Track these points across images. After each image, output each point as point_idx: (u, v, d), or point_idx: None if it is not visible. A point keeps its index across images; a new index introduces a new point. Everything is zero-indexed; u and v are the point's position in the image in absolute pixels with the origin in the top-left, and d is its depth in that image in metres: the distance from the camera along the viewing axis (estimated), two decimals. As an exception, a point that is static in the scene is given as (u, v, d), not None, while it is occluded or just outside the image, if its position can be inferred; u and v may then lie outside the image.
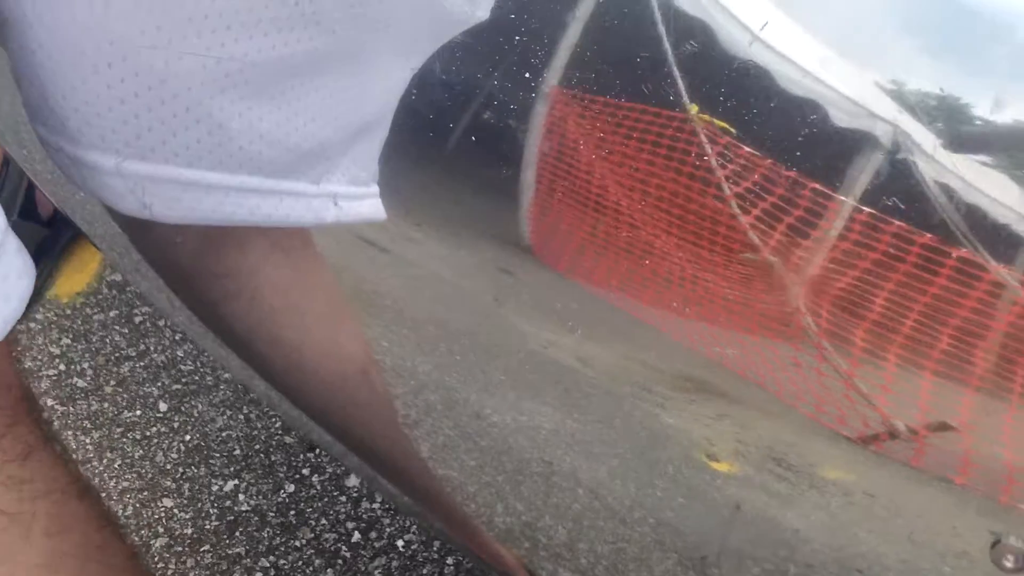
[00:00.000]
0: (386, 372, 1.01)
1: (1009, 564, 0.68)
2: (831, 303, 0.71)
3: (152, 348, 2.32)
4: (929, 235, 0.67)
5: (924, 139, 0.67)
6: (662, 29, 0.74)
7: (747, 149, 0.72)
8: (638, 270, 0.81)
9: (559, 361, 0.89)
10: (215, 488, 2.05)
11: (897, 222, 0.68)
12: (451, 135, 0.87)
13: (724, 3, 0.73)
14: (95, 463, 2.06)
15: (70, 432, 2.12)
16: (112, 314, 2.38)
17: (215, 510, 2.00)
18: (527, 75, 0.81)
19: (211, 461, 2.10)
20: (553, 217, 0.84)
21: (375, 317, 1.00)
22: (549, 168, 0.83)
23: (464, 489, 1.02)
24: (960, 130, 0.66)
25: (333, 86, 0.78)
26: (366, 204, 0.88)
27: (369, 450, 1.09)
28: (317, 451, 2.08)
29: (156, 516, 1.96)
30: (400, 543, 1.93)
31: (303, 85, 0.76)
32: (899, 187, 0.68)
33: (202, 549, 1.95)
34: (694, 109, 0.74)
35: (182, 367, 2.27)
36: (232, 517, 1.99)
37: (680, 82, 0.74)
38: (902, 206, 0.67)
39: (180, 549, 1.93)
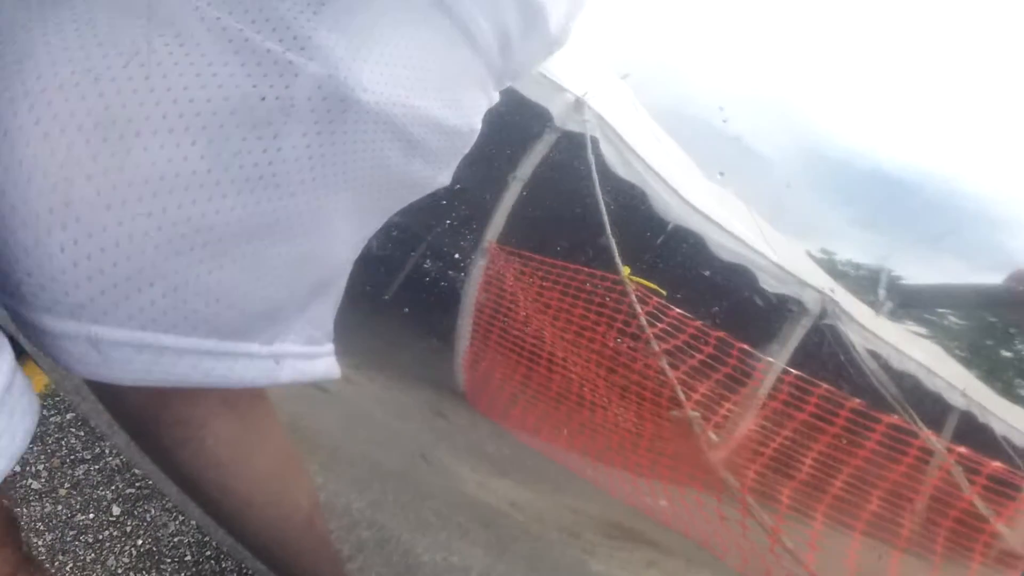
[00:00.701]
0: (321, 508, 0.97)
1: None
2: (758, 461, 0.68)
3: (107, 451, 2.22)
4: (857, 400, 0.65)
5: (853, 307, 0.65)
6: (599, 192, 0.72)
7: (677, 310, 0.70)
8: (568, 420, 0.78)
9: (490, 504, 0.85)
10: None
11: (825, 385, 0.65)
12: (392, 282, 0.84)
13: (660, 172, 0.71)
14: (47, 566, 1.99)
15: (23, 534, 2.05)
16: (69, 416, 2.30)
17: None
18: (467, 230, 0.79)
19: (162, 566, 2.01)
20: (487, 365, 0.81)
21: (311, 454, 0.96)
22: (485, 319, 0.80)
23: (394, 630, 0.96)
24: (896, 292, 0.64)
25: (291, 248, 0.75)
26: (320, 364, 0.85)
27: None
28: None
29: (106, 620, 1.87)
30: None
31: (261, 247, 0.72)
32: (827, 352, 0.66)
33: None
34: (626, 271, 0.72)
35: (136, 471, 2.17)
36: None
37: (614, 244, 0.72)
38: (830, 370, 0.65)
39: None
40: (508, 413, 0.82)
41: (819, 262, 0.65)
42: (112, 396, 0.81)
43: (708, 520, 0.74)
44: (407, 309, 0.86)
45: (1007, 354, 0.60)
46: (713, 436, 0.70)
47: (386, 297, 0.85)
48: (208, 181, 0.65)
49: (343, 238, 0.79)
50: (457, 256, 0.76)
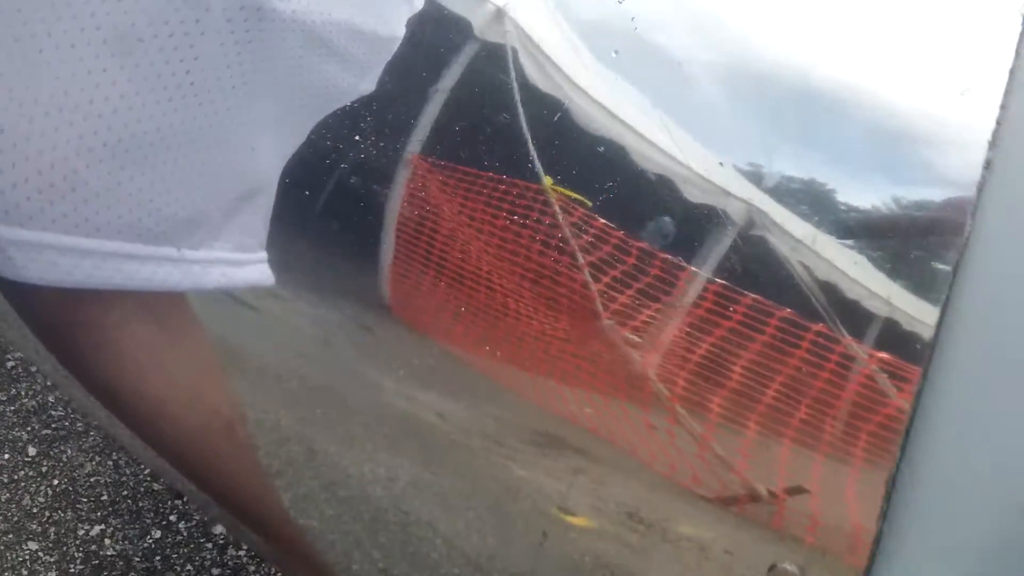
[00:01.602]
0: (250, 424, 0.94)
1: None
2: (686, 370, 0.67)
3: (23, 393, 2.18)
4: (786, 309, 0.63)
5: (780, 218, 0.63)
6: (519, 104, 0.69)
7: (601, 221, 0.68)
8: (493, 331, 0.76)
9: (416, 415, 0.84)
10: (81, 533, 1.92)
11: (751, 295, 0.64)
12: (316, 198, 0.82)
13: (580, 84, 0.68)
14: (-38, 507, 1.95)
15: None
16: (-17, 359, 2.26)
17: (80, 554, 1.88)
18: (390, 143, 0.76)
19: (78, 506, 1.97)
20: (412, 278, 0.79)
21: (241, 371, 0.94)
22: (409, 232, 0.78)
23: (324, 538, 0.96)
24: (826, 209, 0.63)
25: (213, 156, 0.75)
26: (252, 270, 0.85)
27: (231, 500, 1.03)
28: (184, 498, 2.00)
29: (20, 559, 1.84)
30: None
31: (182, 155, 0.72)
32: (755, 262, 0.64)
33: None
34: (548, 181, 0.69)
35: (52, 412, 2.14)
36: (97, 561, 1.87)
37: (535, 155, 0.70)
38: (757, 281, 0.64)
39: None
40: (434, 325, 0.81)
41: (746, 175, 0.63)
42: (26, 302, 0.79)
43: (635, 429, 0.73)
44: (332, 225, 0.83)
45: (935, 264, 0.59)
46: (633, 337, 0.68)
47: (310, 214, 0.81)
48: (128, 91, 0.64)
49: (266, 147, 0.77)
50: (380, 170, 0.73)
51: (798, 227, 0.64)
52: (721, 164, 0.65)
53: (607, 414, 0.74)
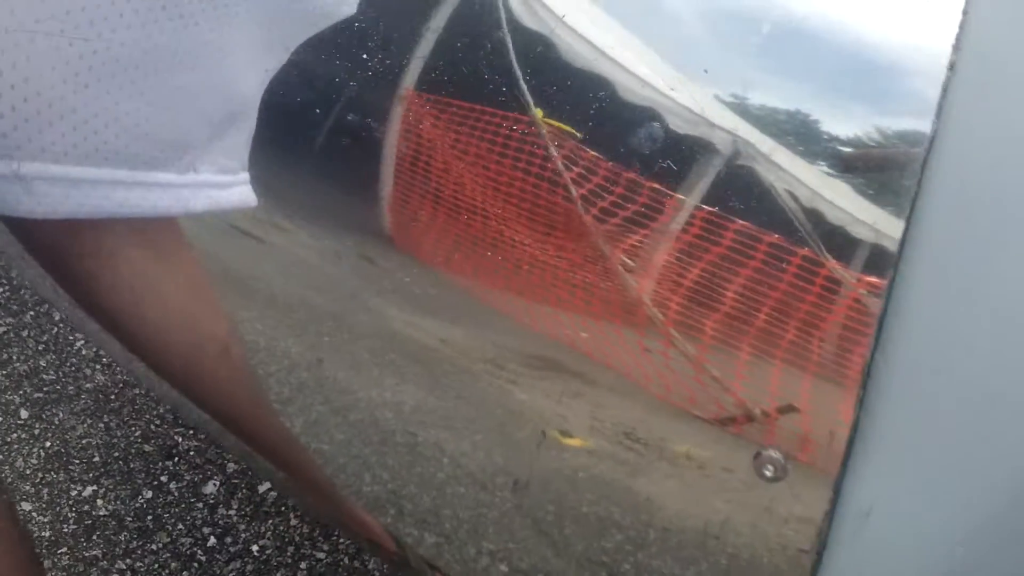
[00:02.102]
0: (260, 352, 0.98)
1: (768, 473, 0.70)
2: (679, 295, 0.69)
3: (15, 357, 2.21)
4: (774, 235, 0.66)
5: (765, 148, 0.65)
6: (509, 41, 0.71)
7: (591, 152, 0.70)
8: (490, 260, 0.78)
9: (419, 341, 0.87)
10: (74, 493, 1.96)
11: (740, 221, 0.66)
12: (315, 134, 0.83)
13: (567, 20, 0.70)
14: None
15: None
16: (-27, 324, 2.27)
17: (73, 514, 1.92)
18: (384, 79, 0.77)
19: (70, 467, 2.01)
20: (411, 210, 0.81)
21: (249, 301, 0.97)
22: (407, 165, 0.80)
23: (335, 461, 1.00)
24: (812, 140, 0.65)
25: (196, 78, 0.75)
26: (235, 192, 0.86)
27: (237, 424, 1.07)
28: (176, 459, 2.02)
29: (14, 519, 1.88)
30: (255, 548, 1.88)
31: (167, 78, 0.72)
32: (741, 190, 0.66)
33: (59, 551, 1.87)
34: (539, 113, 0.71)
35: (44, 376, 2.17)
36: (90, 521, 1.91)
37: (525, 88, 0.71)
38: (745, 207, 0.66)
39: (38, 551, 1.84)
40: (433, 255, 0.83)
41: (730, 106, 0.65)
42: (27, 233, 0.81)
43: (630, 352, 0.75)
44: (331, 159, 0.85)
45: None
46: (628, 261, 0.71)
47: (309, 149, 0.83)
48: (112, 13, 0.65)
49: (249, 70, 0.78)
50: (376, 106, 0.75)
51: (782, 157, 0.66)
52: (692, 88, 0.67)
53: (602, 338, 0.77)
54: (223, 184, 0.84)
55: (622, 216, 0.71)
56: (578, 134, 0.71)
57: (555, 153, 0.72)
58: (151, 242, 0.88)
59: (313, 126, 0.83)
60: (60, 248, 0.85)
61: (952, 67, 0.63)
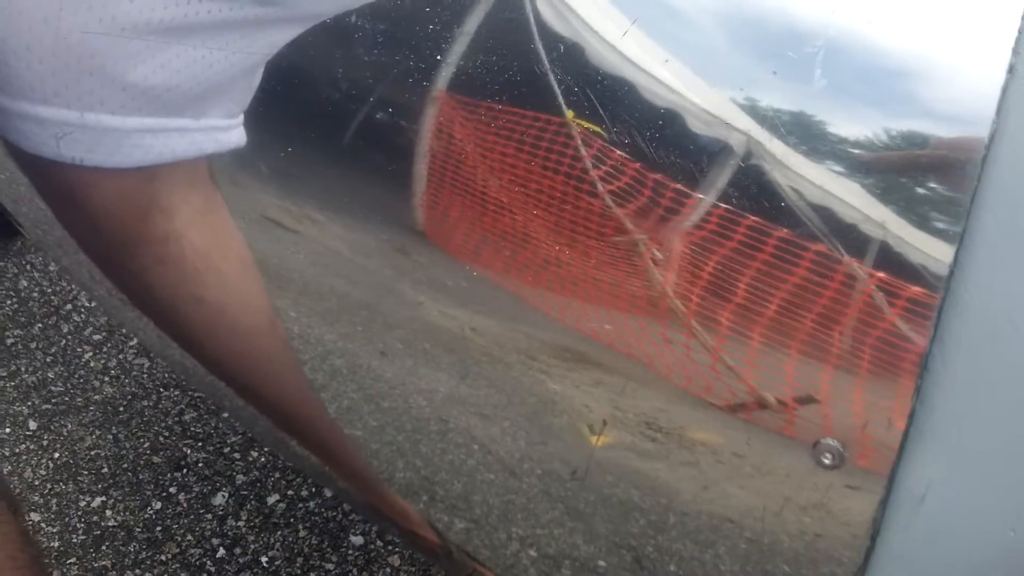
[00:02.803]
0: (295, 339, 1.01)
1: (827, 461, 0.72)
2: (699, 288, 0.72)
3: (23, 369, 2.26)
4: (781, 228, 0.68)
5: (775, 149, 0.68)
6: (540, 45, 0.74)
7: (618, 152, 0.73)
8: (520, 255, 0.81)
9: (452, 331, 0.90)
10: (83, 504, 1.98)
11: (753, 217, 0.69)
12: (350, 133, 0.86)
13: (596, 28, 0.73)
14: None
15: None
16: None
17: (82, 524, 1.95)
18: (418, 81, 0.80)
19: (79, 478, 2.03)
20: (443, 207, 0.83)
21: (284, 289, 1.00)
22: (439, 164, 0.82)
23: (368, 447, 1.03)
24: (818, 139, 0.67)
25: (223, 38, 0.78)
26: (235, 133, 0.90)
27: (278, 407, 1.10)
28: (184, 471, 2.04)
29: (24, 530, 1.90)
30: (264, 559, 1.90)
31: (195, 39, 0.76)
32: (754, 190, 0.69)
33: (68, 562, 1.89)
34: (570, 114, 0.74)
35: (52, 388, 2.22)
36: (99, 532, 1.93)
37: (557, 88, 0.74)
38: (758, 206, 0.69)
39: (47, 562, 1.85)
40: (464, 250, 0.85)
41: (743, 108, 0.67)
42: (92, 223, 0.85)
43: (652, 343, 0.78)
44: (366, 155, 0.87)
45: (921, 191, 0.63)
46: (658, 254, 0.73)
47: (345, 146, 0.86)
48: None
49: (276, 34, 0.81)
50: (409, 106, 0.78)
51: (791, 157, 0.68)
52: (709, 92, 0.70)
53: (626, 330, 0.80)
54: (226, 127, 0.88)
55: (646, 210, 0.74)
56: (605, 134, 0.74)
57: (583, 151, 0.75)
58: (211, 225, 0.92)
59: (348, 126, 0.86)
60: (129, 235, 0.89)
61: (1011, 70, 0.64)
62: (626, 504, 0.85)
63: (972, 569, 0.72)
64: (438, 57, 0.78)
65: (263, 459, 2.02)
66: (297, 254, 0.97)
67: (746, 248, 0.71)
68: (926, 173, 0.66)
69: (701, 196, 0.71)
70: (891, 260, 0.67)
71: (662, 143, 0.72)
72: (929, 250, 0.65)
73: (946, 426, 0.68)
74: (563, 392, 0.85)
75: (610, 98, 0.73)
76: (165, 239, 0.89)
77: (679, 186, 0.72)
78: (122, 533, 1.92)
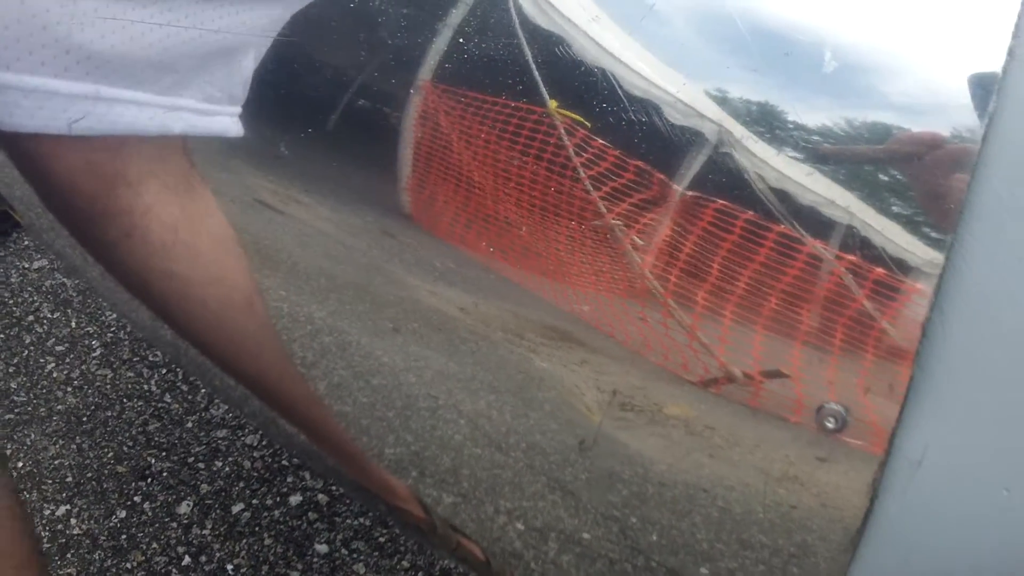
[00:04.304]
0: (284, 318, 1.04)
1: (830, 425, 0.75)
2: (674, 268, 0.76)
3: None
4: (750, 212, 0.72)
5: (744, 138, 0.72)
6: (521, 36, 0.77)
7: (599, 141, 0.76)
8: (505, 239, 0.84)
9: (440, 310, 0.93)
10: (47, 512, 2.01)
11: (721, 201, 0.73)
12: (338, 119, 0.89)
13: (577, 22, 0.76)
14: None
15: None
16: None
17: (47, 532, 1.96)
18: (403, 70, 0.83)
19: (43, 487, 2.05)
20: (429, 191, 0.87)
21: (273, 269, 1.02)
22: (424, 150, 0.86)
23: (358, 424, 1.06)
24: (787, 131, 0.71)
25: (187, 9, 0.80)
26: (218, 120, 0.91)
27: (259, 383, 1.13)
28: (149, 480, 2.06)
29: (-12, 537, 1.92)
30: (230, 567, 1.92)
31: (169, 8, 0.78)
32: (724, 176, 0.73)
33: None
34: (553, 104, 0.77)
35: (15, 398, 2.24)
36: (64, 540, 1.95)
37: (539, 79, 0.78)
38: (727, 192, 0.73)
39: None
40: (451, 233, 0.88)
41: (714, 99, 0.71)
42: (63, 198, 0.87)
43: (631, 322, 0.82)
44: (351, 141, 0.90)
45: (884, 178, 0.67)
46: (637, 240, 0.77)
47: (332, 132, 0.89)
48: None
49: (247, 9, 0.83)
50: (394, 94, 0.81)
51: (756, 145, 0.72)
52: (684, 84, 0.73)
53: (608, 310, 0.84)
54: (206, 111, 0.90)
55: (625, 196, 0.78)
56: (587, 124, 0.77)
57: (565, 138, 0.78)
58: (181, 202, 0.94)
59: (334, 113, 0.89)
60: (95, 209, 0.90)
61: (1011, 52, 0.67)
62: (612, 474, 0.89)
63: (967, 528, 0.75)
64: (423, 47, 0.82)
65: (227, 469, 2.05)
66: (285, 235, 1.00)
67: (720, 234, 0.75)
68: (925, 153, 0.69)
69: (675, 184, 0.75)
70: (855, 243, 0.71)
71: (638, 132, 0.76)
72: (889, 233, 0.70)
73: (943, 391, 0.72)
74: (550, 369, 0.88)
75: (590, 89, 0.77)
76: (131, 211, 0.90)
77: (656, 173, 0.76)
78: (87, 541, 1.95)
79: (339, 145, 0.91)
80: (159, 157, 0.92)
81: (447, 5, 0.80)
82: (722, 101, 0.73)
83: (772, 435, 0.78)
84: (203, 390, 2.18)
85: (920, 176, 0.69)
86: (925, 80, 0.70)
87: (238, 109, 0.89)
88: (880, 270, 0.70)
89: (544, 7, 0.77)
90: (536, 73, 0.77)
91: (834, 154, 0.70)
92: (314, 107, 0.90)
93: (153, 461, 2.08)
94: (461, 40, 0.80)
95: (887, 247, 0.70)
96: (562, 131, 0.77)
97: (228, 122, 0.91)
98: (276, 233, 1.00)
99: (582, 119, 0.77)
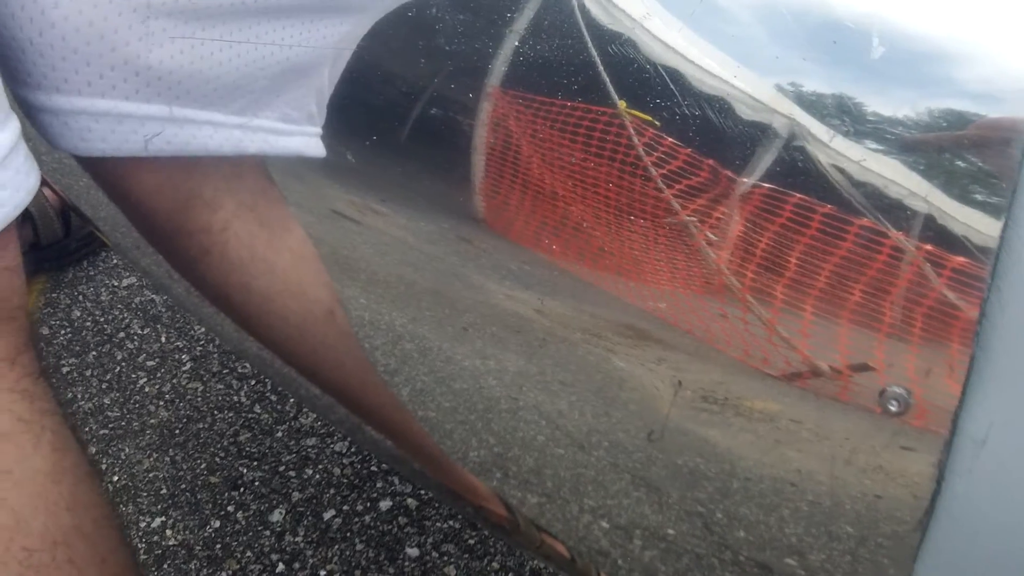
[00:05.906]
0: (365, 326, 1.05)
1: (893, 408, 0.75)
2: (753, 263, 0.76)
3: (80, 396, 2.31)
4: (824, 205, 0.72)
5: (818, 131, 0.71)
6: (588, 39, 0.78)
7: (669, 139, 0.76)
8: (579, 240, 0.85)
9: (518, 312, 0.94)
10: (143, 524, 2.03)
11: (798, 195, 0.72)
12: (411, 129, 0.90)
13: (644, 23, 0.76)
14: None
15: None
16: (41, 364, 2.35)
17: (143, 544, 1.99)
18: (472, 78, 0.84)
19: (138, 500, 2.08)
20: (502, 196, 0.87)
21: (352, 279, 1.04)
22: (496, 155, 0.87)
23: (441, 428, 1.07)
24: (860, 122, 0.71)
25: (261, 29, 0.80)
26: (296, 140, 0.92)
27: (343, 391, 1.14)
28: (241, 489, 2.08)
29: (85, 552, 1.95)
30: (323, 573, 1.93)
31: (231, 26, 0.77)
32: (799, 170, 0.73)
33: None
34: (623, 104, 0.78)
35: (109, 413, 2.26)
36: (160, 551, 1.97)
37: (608, 81, 0.78)
38: (802, 185, 0.72)
39: None
40: (525, 235, 0.89)
41: (786, 93, 0.71)
42: (143, 216, 0.89)
43: (710, 318, 0.82)
44: (425, 150, 0.91)
45: (961, 164, 0.66)
46: (711, 236, 0.77)
47: (406, 142, 0.90)
48: None
49: (322, 28, 0.84)
50: (464, 102, 0.82)
51: (832, 138, 0.72)
52: (755, 80, 0.73)
53: (684, 307, 0.84)
54: (282, 131, 0.90)
55: (699, 194, 0.78)
56: (656, 123, 0.77)
57: (636, 140, 0.78)
58: (259, 218, 0.95)
59: (407, 122, 0.91)
60: (174, 227, 0.92)
61: None
62: (695, 471, 0.89)
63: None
64: (490, 55, 0.82)
65: (318, 476, 2.07)
66: (363, 244, 1.02)
67: (794, 227, 0.75)
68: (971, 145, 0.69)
69: (747, 178, 0.75)
70: (934, 232, 0.70)
71: (709, 129, 0.76)
72: (984, 199, 0.69)
73: (1005, 369, 0.71)
74: (628, 368, 0.88)
75: (660, 88, 0.77)
76: (208, 229, 0.92)
77: (727, 170, 0.76)
78: (183, 552, 1.97)
79: (413, 154, 0.93)
80: (235, 174, 0.93)
81: (512, 11, 0.81)
82: (795, 96, 0.73)
83: (859, 426, 0.78)
84: (291, 400, 2.20)
85: (992, 159, 0.69)
86: (1003, 67, 0.69)
87: (318, 130, 0.90)
88: (938, 251, 0.70)
89: (608, 7, 0.77)
90: (603, 74, 0.77)
91: (914, 143, 0.70)
92: (388, 118, 0.92)
93: (245, 471, 2.10)
94: (528, 45, 0.81)
95: (944, 229, 0.69)
96: (632, 131, 0.78)
97: (306, 142, 0.92)
98: (354, 243, 1.02)
99: (651, 118, 0.77)
